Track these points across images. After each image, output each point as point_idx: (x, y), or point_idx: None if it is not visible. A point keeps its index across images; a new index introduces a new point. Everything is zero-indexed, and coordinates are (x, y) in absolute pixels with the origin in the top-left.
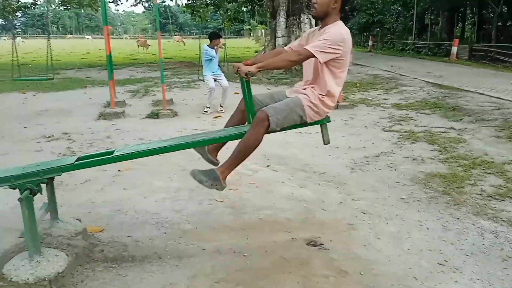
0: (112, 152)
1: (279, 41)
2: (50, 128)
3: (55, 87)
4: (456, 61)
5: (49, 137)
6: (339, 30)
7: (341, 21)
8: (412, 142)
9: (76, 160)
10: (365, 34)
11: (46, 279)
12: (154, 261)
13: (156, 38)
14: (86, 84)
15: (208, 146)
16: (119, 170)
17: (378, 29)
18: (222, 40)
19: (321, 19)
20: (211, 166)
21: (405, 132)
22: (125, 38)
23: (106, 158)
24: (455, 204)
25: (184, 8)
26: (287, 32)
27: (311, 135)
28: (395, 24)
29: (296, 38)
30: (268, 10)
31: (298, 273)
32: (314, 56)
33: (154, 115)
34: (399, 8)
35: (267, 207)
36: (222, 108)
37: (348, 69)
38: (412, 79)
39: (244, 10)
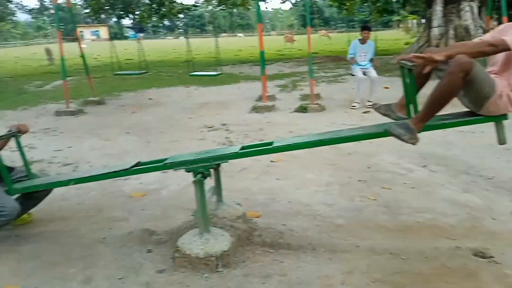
0: (271, 143)
1: (435, 31)
2: (210, 119)
3: (214, 82)
4: None
5: (210, 127)
6: None
7: None
8: None
9: (240, 149)
10: None
11: (214, 255)
12: (308, 252)
13: (302, 33)
14: (239, 79)
15: (398, 103)
16: (271, 161)
17: None
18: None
19: None
20: None
21: None
22: (273, 34)
23: (266, 148)
24: None
25: (331, 2)
26: (444, 21)
27: (475, 134)
28: None
29: (454, 28)
30: None
31: (464, 285)
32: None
33: (303, 109)
34: None
35: (425, 210)
36: (370, 102)
37: None
38: None
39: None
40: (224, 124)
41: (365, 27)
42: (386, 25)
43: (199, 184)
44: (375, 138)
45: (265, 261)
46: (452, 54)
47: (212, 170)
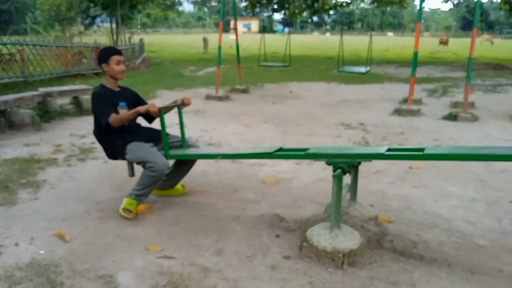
0: (422, 150)
1: None
2: (348, 117)
3: (355, 80)
4: None
5: (347, 125)
6: None
7: None
8: None
9: (386, 151)
10: None
11: (341, 252)
12: (443, 267)
13: (459, 36)
14: (383, 79)
15: None
16: (410, 167)
17: None
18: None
19: None
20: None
21: None
22: (426, 36)
23: (416, 154)
24: None
25: (500, 5)
26: None
27: None
28: None
29: None
30: None
31: None
32: None
33: (452, 117)
34: None
35: None
36: None
37: None
38: None
39: None
40: (361, 124)
41: None
42: None
43: (337, 179)
44: None
45: (394, 268)
46: None
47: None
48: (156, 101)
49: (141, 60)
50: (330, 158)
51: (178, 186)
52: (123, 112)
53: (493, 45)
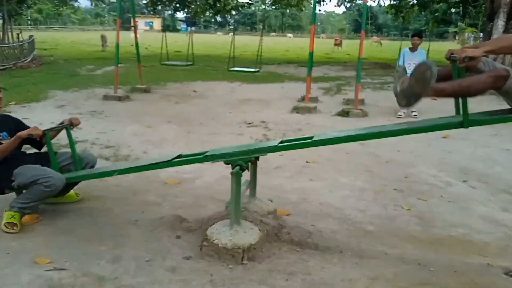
0: (311, 138)
1: None
2: (250, 116)
3: (257, 79)
4: None
5: (249, 123)
6: None
7: None
8: None
9: (279, 143)
10: None
11: (241, 247)
12: (335, 254)
13: (352, 38)
14: (283, 79)
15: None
16: (306, 162)
17: None
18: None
19: None
20: None
21: None
22: (322, 37)
23: (306, 142)
24: None
25: (387, 9)
26: None
27: None
28: None
29: None
30: (484, 11)
31: None
32: None
33: (344, 113)
34: None
35: (460, 225)
36: (415, 112)
37: None
38: None
39: (453, 11)
40: (263, 122)
41: (416, 34)
42: (442, 36)
43: (236, 176)
44: (420, 132)
45: (291, 259)
46: (491, 50)
47: (249, 165)
48: (48, 102)
49: (31, 58)
50: (227, 157)
51: (71, 192)
52: (4, 143)
53: (382, 46)
